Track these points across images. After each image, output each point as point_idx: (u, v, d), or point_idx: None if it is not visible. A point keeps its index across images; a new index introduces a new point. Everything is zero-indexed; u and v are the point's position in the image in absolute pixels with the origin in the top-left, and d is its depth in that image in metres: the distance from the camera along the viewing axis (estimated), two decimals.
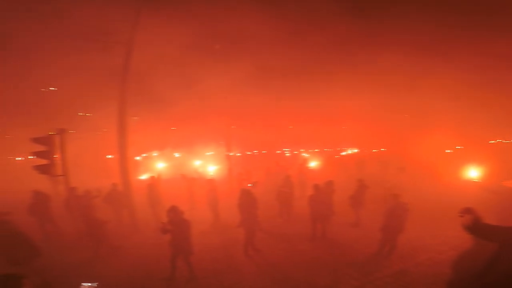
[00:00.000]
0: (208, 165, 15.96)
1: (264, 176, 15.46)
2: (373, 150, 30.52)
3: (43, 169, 7.85)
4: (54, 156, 7.92)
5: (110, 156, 23.80)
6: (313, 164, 17.40)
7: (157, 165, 15.53)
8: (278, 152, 30.68)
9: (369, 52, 20.95)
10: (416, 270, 6.71)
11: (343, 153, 29.42)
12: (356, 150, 30.89)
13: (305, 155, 22.92)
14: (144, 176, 15.76)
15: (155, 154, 24.56)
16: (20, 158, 24.09)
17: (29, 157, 7.91)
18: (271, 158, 24.10)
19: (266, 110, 24.91)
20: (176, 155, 24.65)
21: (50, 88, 27.94)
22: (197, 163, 18.14)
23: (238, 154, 23.38)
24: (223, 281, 6.53)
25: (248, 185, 15.00)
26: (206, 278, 6.67)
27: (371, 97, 23.49)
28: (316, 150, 28.26)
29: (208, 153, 23.43)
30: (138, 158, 22.57)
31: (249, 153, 30.73)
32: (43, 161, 7.85)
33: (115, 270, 7.08)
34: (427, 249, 7.69)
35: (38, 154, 7.82)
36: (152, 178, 11.74)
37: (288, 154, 29.96)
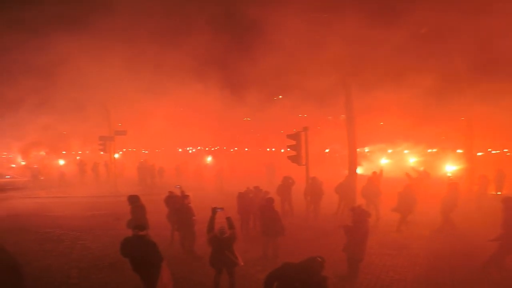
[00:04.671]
0: (444, 164, 13.84)
1: None
2: None
3: (293, 159, 10.06)
4: (301, 149, 9.93)
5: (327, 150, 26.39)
6: None
7: (381, 161, 15.43)
8: None
9: None
10: None
11: None
12: None
13: None
14: (358, 170, 16.02)
15: (366, 149, 24.57)
16: (268, 149, 31.90)
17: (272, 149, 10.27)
18: None
19: None
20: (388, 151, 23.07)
21: (279, 96, 36.42)
22: (413, 160, 16.35)
23: (480, 153, 18.26)
24: None
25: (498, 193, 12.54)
26: (415, 284, 6.07)
27: None
28: None
29: (430, 150, 20.49)
30: None
31: (494, 152, 23.17)
32: (293, 152, 10.06)
33: (323, 252, 7.48)
34: None
35: (291, 147, 10.12)
36: (374, 173, 11.83)
37: None
